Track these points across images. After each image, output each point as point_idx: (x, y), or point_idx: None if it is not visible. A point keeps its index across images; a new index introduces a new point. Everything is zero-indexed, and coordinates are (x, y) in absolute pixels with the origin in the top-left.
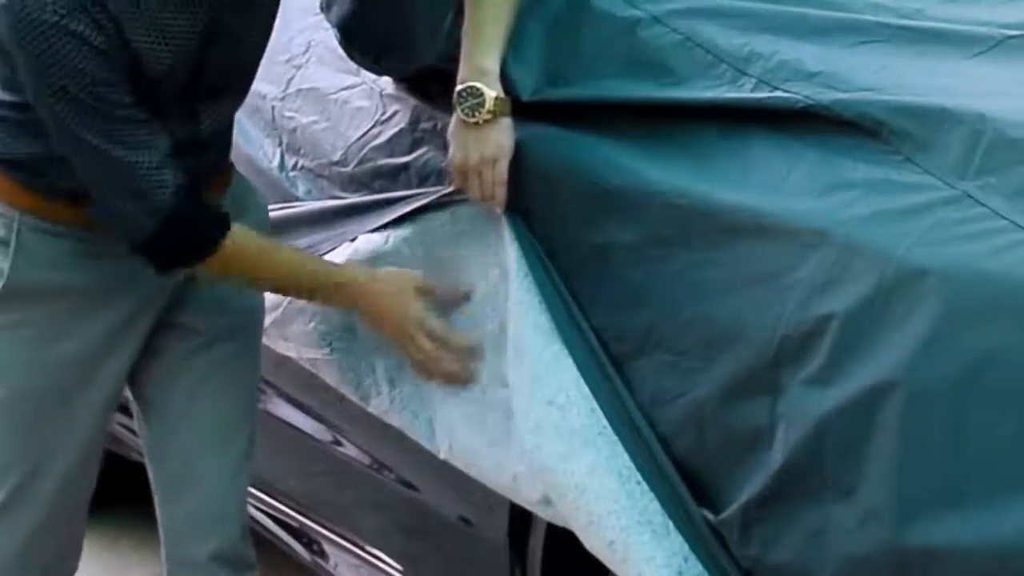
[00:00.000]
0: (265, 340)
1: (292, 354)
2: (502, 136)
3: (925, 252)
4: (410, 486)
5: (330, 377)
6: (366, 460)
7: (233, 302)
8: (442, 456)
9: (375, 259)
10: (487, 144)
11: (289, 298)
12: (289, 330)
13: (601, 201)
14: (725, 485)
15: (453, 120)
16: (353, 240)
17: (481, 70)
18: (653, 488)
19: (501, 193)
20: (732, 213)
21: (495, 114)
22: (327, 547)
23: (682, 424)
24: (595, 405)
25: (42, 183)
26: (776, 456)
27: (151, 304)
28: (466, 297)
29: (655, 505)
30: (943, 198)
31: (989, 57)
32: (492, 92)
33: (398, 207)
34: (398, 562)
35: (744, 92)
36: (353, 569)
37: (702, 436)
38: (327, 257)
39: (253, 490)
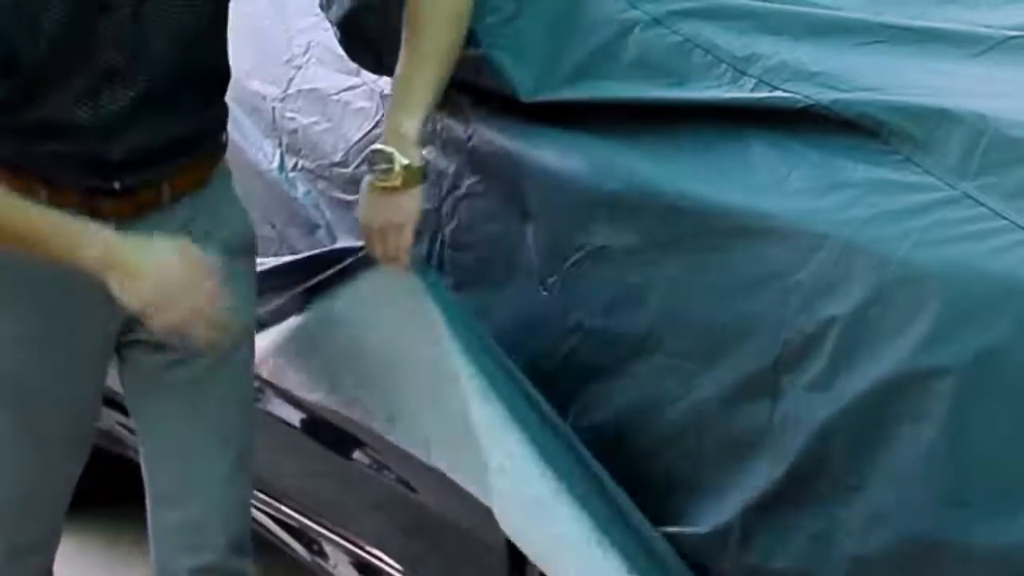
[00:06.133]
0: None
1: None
2: (409, 203)
3: (925, 253)
4: (410, 487)
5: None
6: (366, 461)
7: None
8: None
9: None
10: (393, 210)
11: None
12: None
13: (601, 203)
14: (724, 490)
15: (364, 178)
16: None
17: (399, 134)
18: (620, 547)
19: (405, 257)
20: (732, 214)
21: (405, 183)
22: (327, 547)
23: (681, 428)
24: (544, 468)
25: None
26: (779, 459)
27: (88, 296)
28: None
29: (623, 565)
30: (943, 198)
31: (989, 57)
32: (404, 160)
33: (326, 267)
34: (398, 563)
35: (744, 92)
36: (353, 569)
37: (701, 440)
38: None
39: (253, 490)
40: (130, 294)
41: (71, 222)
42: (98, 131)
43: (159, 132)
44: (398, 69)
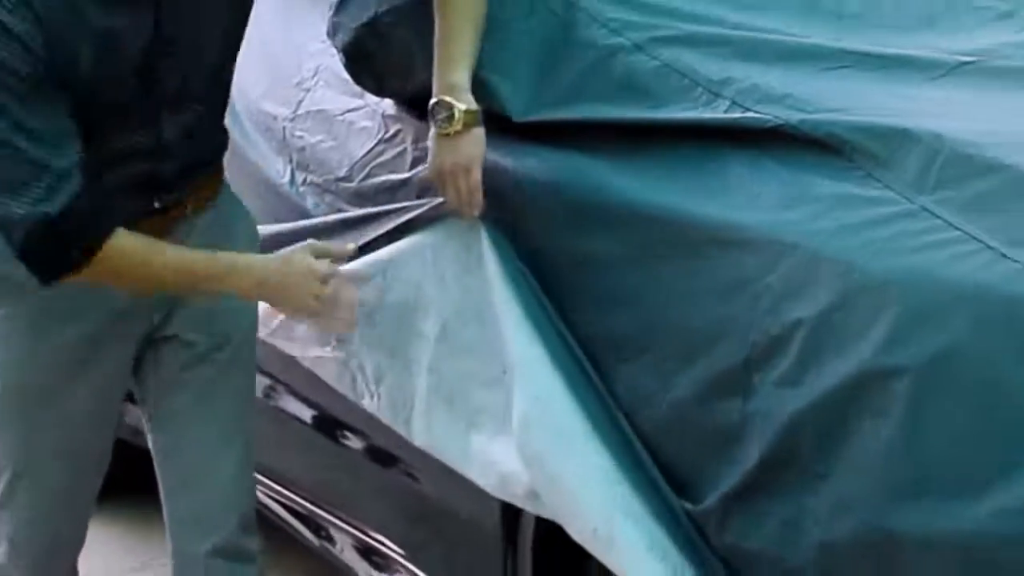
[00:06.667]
0: (273, 340)
1: (296, 353)
2: (473, 146)
3: (885, 261)
4: (411, 476)
5: (329, 377)
6: (370, 453)
7: (225, 315)
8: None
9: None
10: (459, 153)
11: None
12: (296, 331)
13: (588, 215)
14: (704, 478)
15: (430, 132)
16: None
17: (451, 85)
18: (633, 481)
19: (477, 199)
20: (709, 226)
21: (466, 125)
22: (334, 533)
23: (664, 421)
24: (576, 405)
25: None
26: (751, 451)
27: (142, 312)
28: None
29: (636, 497)
30: (902, 211)
31: (946, 81)
32: (462, 105)
33: (393, 218)
34: (400, 547)
35: (719, 113)
36: (357, 553)
37: (683, 432)
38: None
39: (266, 479)
40: (285, 309)
41: (217, 260)
42: (155, 154)
43: (198, 152)
44: (436, 34)
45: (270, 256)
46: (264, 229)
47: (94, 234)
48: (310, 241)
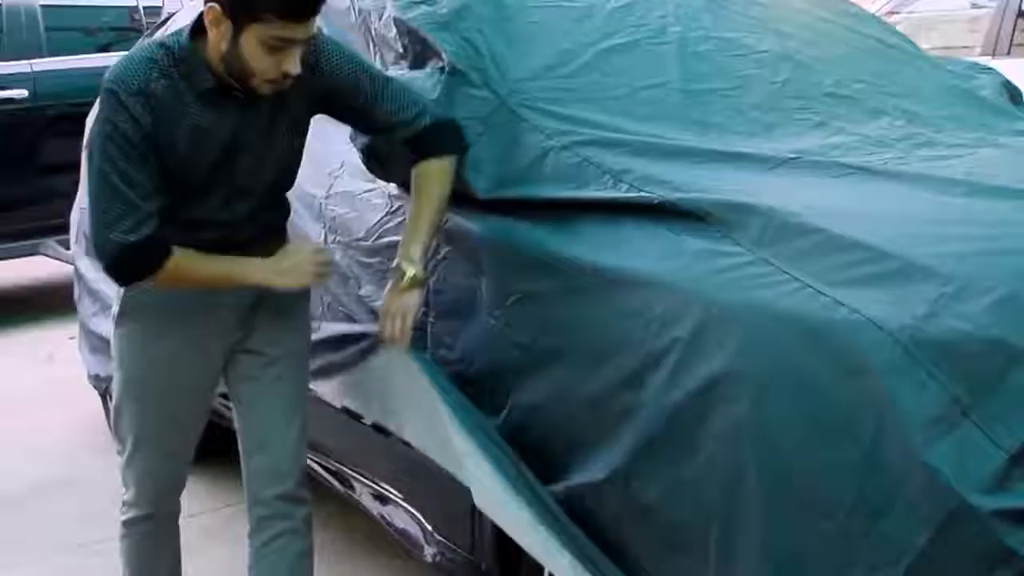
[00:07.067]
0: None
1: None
2: (412, 300)
3: (735, 296)
4: (408, 445)
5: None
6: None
7: (286, 334)
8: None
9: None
10: (402, 303)
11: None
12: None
13: (529, 262)
14: (612, 452)
15: (388, 283)
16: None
17: (409, 256)
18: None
19: (405, 336)
20: (612, 271)
21: (411, 286)
22: (355, 484)
23: (580, 413)
24: (494, 472)
25: None
26: (641, 434)
27: (226, 330)
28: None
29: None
30: (747, 261)
31: (777, 171)
32: (411, 272)
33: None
34: (398, 492)
35: (620, 193)
36: (371, 498)
37: (595, 420)
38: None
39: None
40: (279, 283)
41: (236, 264)
42: (231, 225)
43: (263, 223)
44: (408, 212)
45: (275, 255)
46: None
47: (158, 260)
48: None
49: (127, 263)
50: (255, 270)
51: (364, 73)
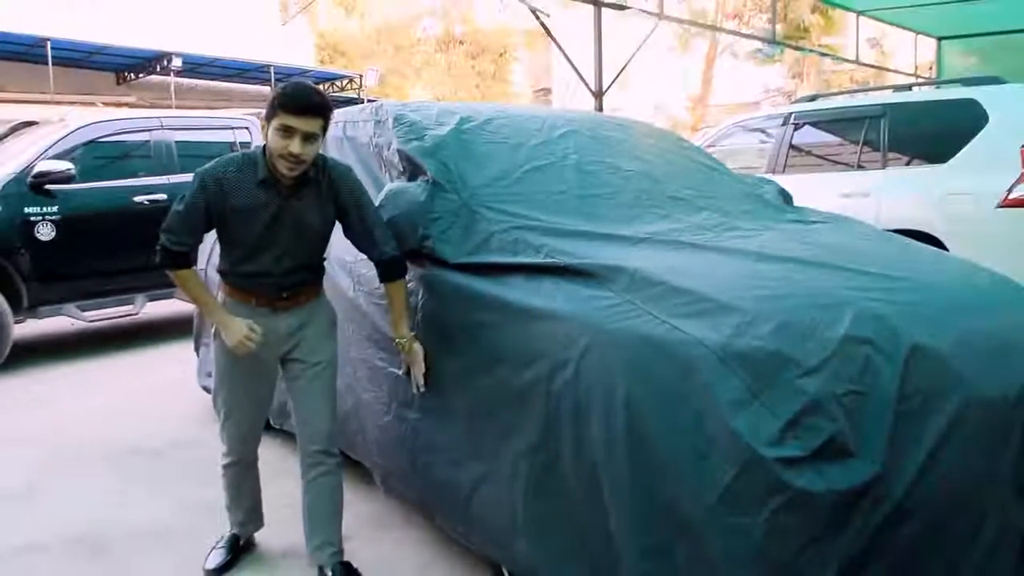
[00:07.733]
0: None
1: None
2: (417, 355)
3: (612, 324)
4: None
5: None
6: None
7: (321, 348)
8: None
9: None
10: (412, 358)
11: None
12: None
13: (482, 302)
14: (531, 429)
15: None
16: None
17: (401, 334)
18: None
19: (420, 378)
20: (534, 309)
21: (410, 347)
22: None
23: (502, 407)
24: None
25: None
26: (544, 427)
27: (279, 341)
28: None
29: None
30: (619, 302)
31: (639, 245)
32: (406, 339)
33: None
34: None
35: (540, 259)
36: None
37: (516, 412)
38: None
39: None
40: (223, 332)
41: (214, 304)
42: (279, 275)
43: (303, 275)
44: (390, 309)
45: (232, 317)
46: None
47: (178, 265)
48: (248, 321)
49: (161, 255)
50: (215, 316)
51: (355, 209)
